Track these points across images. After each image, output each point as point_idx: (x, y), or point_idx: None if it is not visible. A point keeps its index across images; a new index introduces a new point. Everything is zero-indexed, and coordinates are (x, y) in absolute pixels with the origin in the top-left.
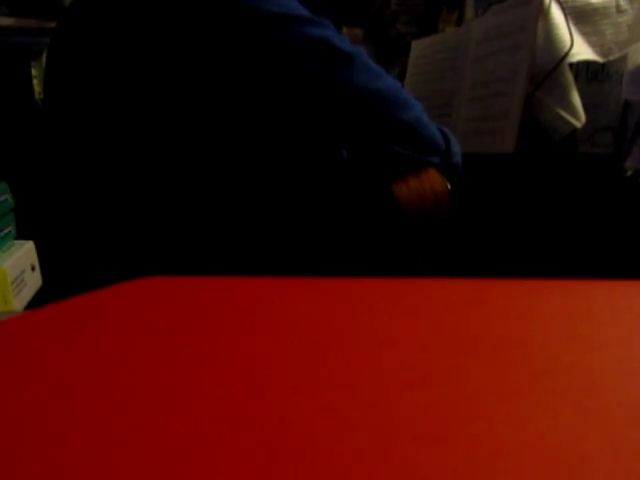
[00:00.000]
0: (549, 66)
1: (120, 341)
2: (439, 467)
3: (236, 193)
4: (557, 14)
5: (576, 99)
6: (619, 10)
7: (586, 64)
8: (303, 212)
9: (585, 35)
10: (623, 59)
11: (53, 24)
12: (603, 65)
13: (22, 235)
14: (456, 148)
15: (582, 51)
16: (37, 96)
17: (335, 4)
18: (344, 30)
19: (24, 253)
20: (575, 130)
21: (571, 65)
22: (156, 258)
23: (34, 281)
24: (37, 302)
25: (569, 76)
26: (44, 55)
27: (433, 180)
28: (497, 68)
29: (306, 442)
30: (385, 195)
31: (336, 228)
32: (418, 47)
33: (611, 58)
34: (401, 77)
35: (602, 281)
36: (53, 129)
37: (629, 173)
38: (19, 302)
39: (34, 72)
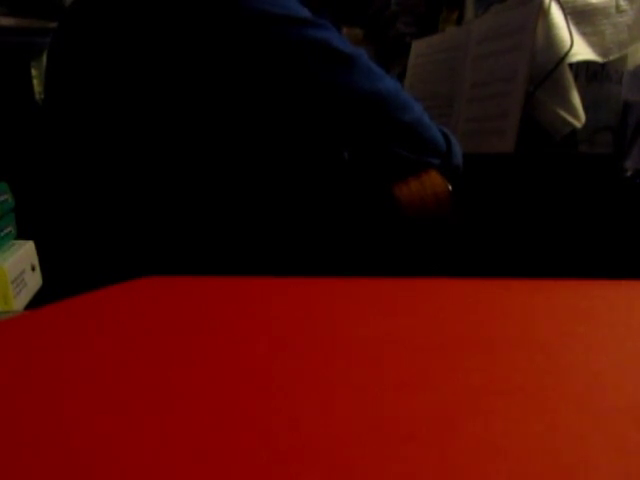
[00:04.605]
0: (549, 66)
1: (120, 341)
2: (439, 467)
3: (237, 193)
4: (557, 14)
5: (576, 99)
6: (619, 10)
7: (586, 64)
8: (304, 213)
9: (585, 35)
10: (623, 59)
11: (53, 24)
12: (603, 65)
13: (22, 235)
14: (457, 149)
15: (582, 51)
16: (37, 96)
17: (335, 4)
18: (344, 30)
19: (24, 253)
20: (575, 130)
21: (571, 65)
22: (156, 258)
23: (34, 281)
24: (37, 302)
25: (569, 76)
26: (44, 55)
27: (434, 181)
28: (497, 68)
29: (306, 441)
30: (386, 196)
31: (337, 229)
32: (418, 47)
33: (611, 58)
34: (401, 77)
35: (602, 281)
36: (53, 129)
37: (629, 173)
38: (19, 302)
39: (34, 72)
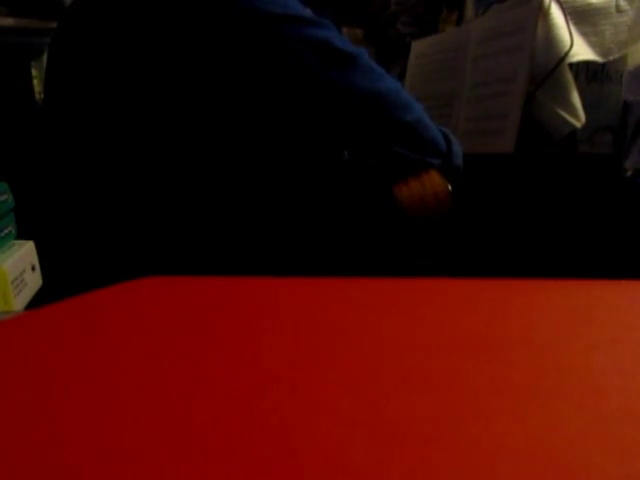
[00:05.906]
0: (549, 66)
1: (120, 341)
2: (439, 466)
3: (237, 193)
4: (557, 14)
5: (576, 99)
6: (619, 10)
7: (586, 64)
8: (304, 213)
9: (585, 35)
10: (623, 59)
11: (53, 24)
12: (603, 65)
13: (22, 235)
14: (457, 149)
15: (582, 51)
16: (37, 96)
17: (335, 4)
18: (344, 30)
19: (24, 253)
20: (575, 130)
21: (571, 65)
22: (156, 258)
23: (34, 281)
24: (37, 302)
25: (569, 76)
26: (44, 55)
27: (434, 181)
28: (497, 68)
29: (306, 441)
30: (386, 196)
31: (337, 229)
32: (418, 47)
33: (611, 58)
34: (401, 77)
35: (602, 281)
36: (53, 129)
37: (629, 173)
38: (19, 302)
39: (34, 72)
